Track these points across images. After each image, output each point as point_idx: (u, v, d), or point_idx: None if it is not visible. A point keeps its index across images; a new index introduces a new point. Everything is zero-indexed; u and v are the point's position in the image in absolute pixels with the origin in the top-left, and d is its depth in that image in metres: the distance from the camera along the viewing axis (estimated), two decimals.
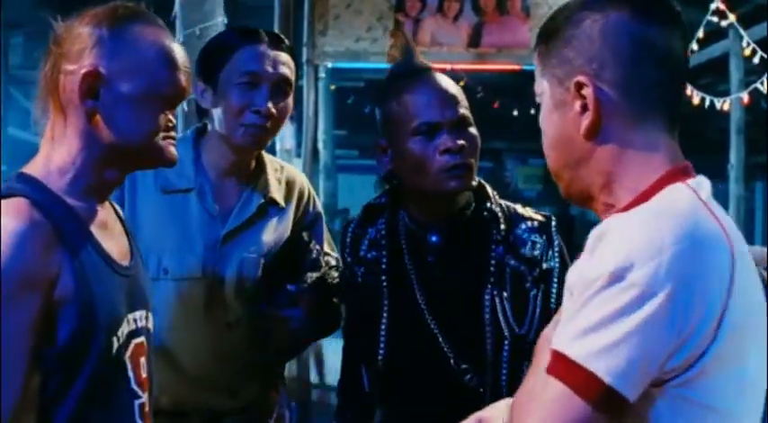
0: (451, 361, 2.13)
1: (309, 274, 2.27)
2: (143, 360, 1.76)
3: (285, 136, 6.74)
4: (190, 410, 2.39)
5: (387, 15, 7.58)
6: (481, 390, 2.12)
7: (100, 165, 1.68)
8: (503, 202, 2.24)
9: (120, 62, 1.66)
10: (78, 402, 1.62)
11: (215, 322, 2.38)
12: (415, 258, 2.21)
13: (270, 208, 2.47)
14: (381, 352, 2.21)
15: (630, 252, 1.27)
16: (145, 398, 1.76)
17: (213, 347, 2.38)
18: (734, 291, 1.30)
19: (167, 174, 2.36)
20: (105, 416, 1.67)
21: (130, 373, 1.72)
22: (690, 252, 1.28)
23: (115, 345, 1.67)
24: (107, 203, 1.78)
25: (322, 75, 10.05)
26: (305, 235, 2.40)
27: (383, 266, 2.23)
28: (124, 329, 1.70)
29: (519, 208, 2.23)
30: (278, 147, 6.75)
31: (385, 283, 2.22)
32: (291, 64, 2.43)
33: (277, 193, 2.48)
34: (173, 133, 1.75)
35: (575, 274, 1.37)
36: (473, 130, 2.15)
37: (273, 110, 2.35)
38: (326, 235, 2.58)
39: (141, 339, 1.76)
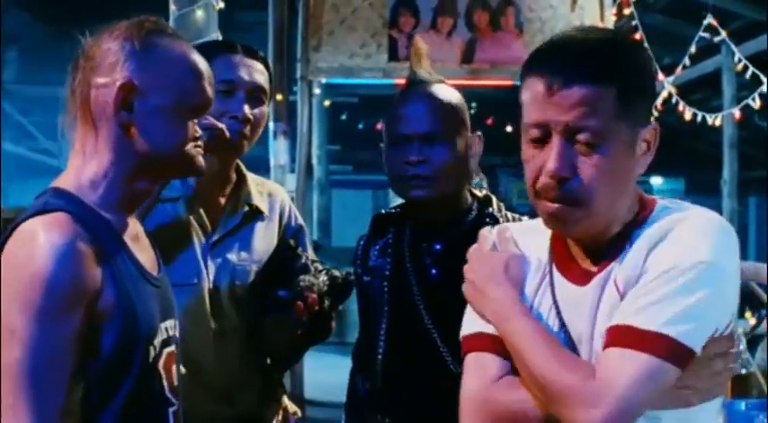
0: (450, 365, 2.14)
1: (301, 277, 2.28)
2: (174, 368, 1.79)
3: (279, 151, 6.76)
4: (187, 419, 2.39)
5: (380, 32, 7.61)
6: None
7: (132, 176, 1.70)
8: (509, 213, 2.27)
9: (153, 74, 1.69)
10: (119, 412, 1.64)
11: (209, 330, 2.38)
12: (417, 265, 2.24)
13: (254, 216, 2.49)
14: (380, 354, 2.24)
15: (716, 246, 1.49)
16: (177, 405, 1.79)
17: (208, 355, 2.38)
18: None
19: None
20: None
21: (165, 382, 1.75)
22: (736, 244, 1.56)
23: (152, 354, 1.69)
24: (134, 216, 1.81)
25: (316, 90, 10.08)
26: (291, 242, 2.41)
27: (387, 273, 2.28)
28: (159, 339, 1.72)
29: (524, 219, 2.25)
30: (272, 162, 6.76)
31: (387, 288, 2.26)
32: (266, 73, 2.46)
33: (260, 202, 2.50)
34: (200, 142, 1.79)
35: (628, 270, 1.53)
36: (444, 145, 2.18)
37: (250, 115, 2.37)
38: (310, 247, 2.60)
39: (173, 348, 1.78)
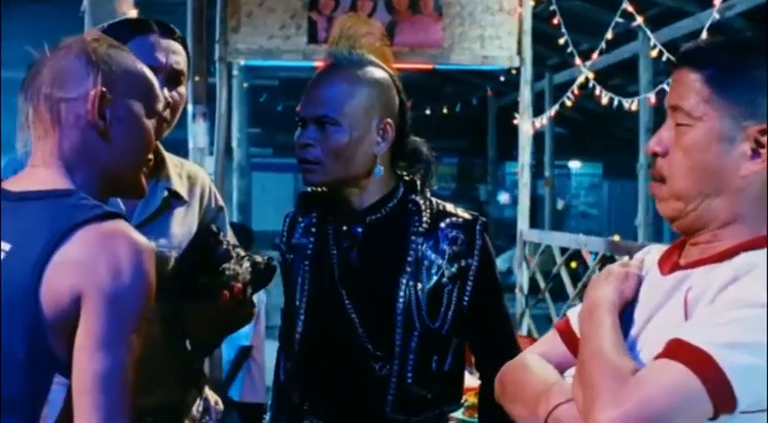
0: (369, 346, 2.15)
1: (225, 266, 2.26)
2: None
3: (198, 134, 6.68)
4: None
5: (300, 13, 7.56)
6: (392, 378, 2.14)
7: (102, 190, 1.78)
8: (433, 199, 2.26)
9: (119, 84, 1.77)
10: None
11: None
12: (339, 247, 2.24)
13: (173, 201, 2.44)
14: (299, 333, 2.24)
15: None
16: None
17: None
18: None
19: None
20: None
21: None
22: None
23: None
24: None
25: (235, 72, 9.99)
26: (213, 227, 2.38)
27: (308, 252, 2.27)
28: None
29: (448, 206, 2.26)
30: (191, 145, 6.68)
31: (308, 268, 2.26)
32: (184, 54, 2.42)
33: (179, 186, 2.46)
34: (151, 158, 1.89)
35: (702, 286, 1.48)
36: (335, 129, 2.16)
37: (169, 98, 2.33)
38: (229, 230, 2.57)
39: None
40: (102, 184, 1.78)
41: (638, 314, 1.59)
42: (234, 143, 11.69)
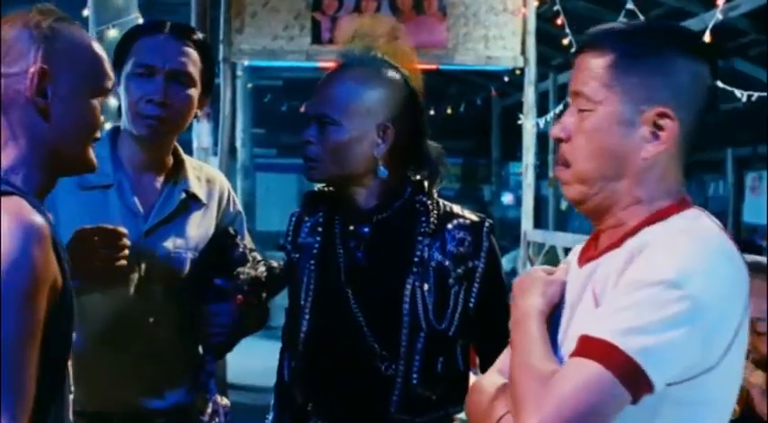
0: (375, 346, 2.15)
1: (240, 269, 2.26)
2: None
3: (201, 134, 6.69)
4: (116, 412, 2.36)
5: (304, 14, 7.56)
6: (397, 379, 2.15)
7: (45, 165, 1.71)
8: (441, 200, 2.26)
9: (63, 60, 1.70)
10: (56, 404, 1.65)
11: (141, 320, 2.34)
12: (345, 246, 2.24)
13: (191, 203, 2.44)
14: (303, 332, 2.23)
15: (687, 265, 1.41)
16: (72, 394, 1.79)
17: (139, 346, 2.34)
18: (747, 309, 1.47)
19: None
20: (60, 414, 1.70)
21: (70, 369, 1.75)
22: (734, 276, 1.45)
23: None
24: None
25: (239, 73, 10.00)
26: (231, 230, 2.38)
27: (314, 251, 2.27)
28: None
29: (456, 207, 2.27)
30: (194, 145, 6.70)
31: (313, 267, 2.26)
32: (194, 55, 2.38)
33: (198, 188, 2.46)
34: (98, 135, 1.80)
35: (602, 277, 1.51)
36: (334, 128, 2.18)
37: (168, 100, 2.32)
38: (247, 234, 2.57)
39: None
40: (44, 161, 1.71)
41: (564, 314, 1.61)
42: (238, 143, 11.73)
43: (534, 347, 1.53)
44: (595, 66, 1.56)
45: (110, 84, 1.79)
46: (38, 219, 1.56)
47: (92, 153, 1.78)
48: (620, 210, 1.56)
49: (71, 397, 1.77)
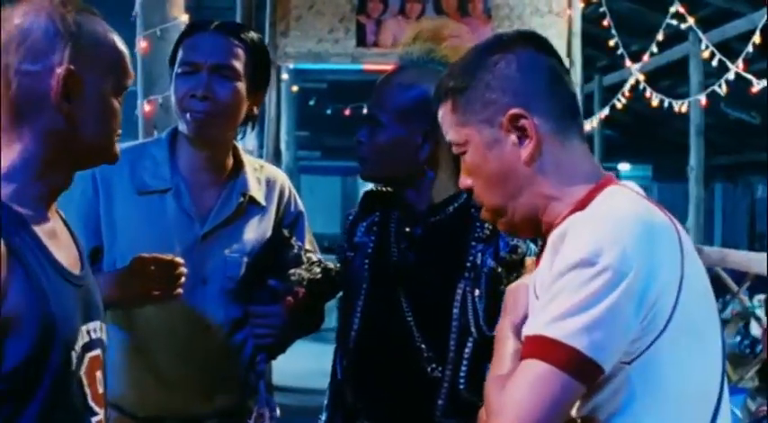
0: (423, 348, 2.15)
1: (292, 271, 2.26)
2: (99, 374, 1.64)
3: (247, 137, 6.73)
4: (167, 416, 2.37)
5: (349, 17, 7.57)
6: (444, 383, 2.14)
7: (58, 167, 1.58)
8: None
9: (88, 59, 1.56)
10: None
11: (195, 325, 2.35)
12: (399, 247, 2.26)
13: (250, 207, 2.43)
14: (354, 331, 2.25)
15: (598, 240, 1.42)
16: (101, 415, 1.64)
17: (192, 351, 2.35)
18: (685, 273, 1.47)
19: (143, 175, 2.35)
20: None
21: (87, 390, 1.59)
22: (648, 236, 1.44)
23: (73, 360, 1.55)
24: (54, 209, 1.65)
25: (284, 76, 10.03)
26: (285, 231, 2.38)
27: (369, 251, 2.28)
28: (80, 343, 1.58)
29: None
30: (238, 146, 6.74)
31: (367, 266, 2.27)
32: (238, 50, 2.36)
33: (257, 191, 2.45)
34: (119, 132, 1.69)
35: (540, 275, 1.54)
36: (380, 129, 2.21)
37: (211, 93, 2.30)
38: (309, 234, 2.56)
39: (97, 352, 1.63)
40: (58, 164, 1.57)
41: None
42: (282, 146, 11.75)
43: (502, 365, 1.56)
44: (444, 115, 1.66)
45: (130, 82, 1.66)
46: None
47: (116, 147, 1.65)
48: (542, 215, 1.59)
49: (101, 414, 1.65)
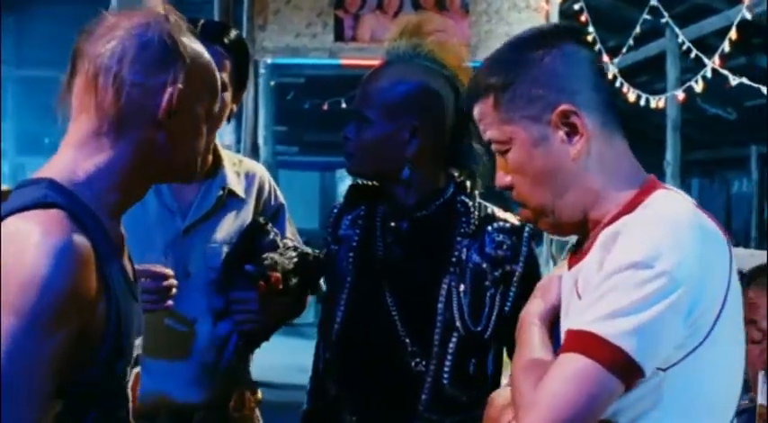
0: (407, 342, 2.15)
1: (265, 255, 2.26)
2: (138, 390, 1.64)
3: (224, 132, 6.71)
4: (158, 408, 2.37)
5: (326, 11, 7.58)
6: (427, 377, 2.14)
7: (138, 180, 1.59)
8: (483, 201, 2.26)
9: (195, 79, 1.58)
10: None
11: (181, 317, 2.35)
12: (385, 241, 2.25)
13: (230, 200, 2.44)
14: (338, 323, 2.24)
15: (656, 244, 1.40)
16: None
17: (180, 342, 2.36)
18: (731, 285, 1.46)
19: None
20: None
21: (130, 405, 1.60)
22: (705, 246, 1.43)
23: (128, 375, 1.56)
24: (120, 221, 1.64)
25: (262, 70, 10.02)
26: (261, 218, 2.38)
27: (354, 244, 2.28)
28: (133, 357, 1.58)
29: (497, 210, 2.25)
30: (217, 142, 6.73)
31: (351, 259, 2.27)
32: (225, 61, 2.34)
33: (236, 185, 2.46)
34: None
35: (584, 272, 1.51)
36: (367, 125, 2.20)
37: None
38: (291, 227, 2.56)
39: (138, 369, 1.63)
40: (141, 178, 1.58)
41: (561, 317, 1.62)
42: (260, 141, 11.73)
43: (531, 352, 1.55)
44: (483, 113, 1.60)
45: (218, 108, 1.67)
46: (76, 238, 1.41)
47: (198, 167, 1.65)
48: (590, 212, 1.57)
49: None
